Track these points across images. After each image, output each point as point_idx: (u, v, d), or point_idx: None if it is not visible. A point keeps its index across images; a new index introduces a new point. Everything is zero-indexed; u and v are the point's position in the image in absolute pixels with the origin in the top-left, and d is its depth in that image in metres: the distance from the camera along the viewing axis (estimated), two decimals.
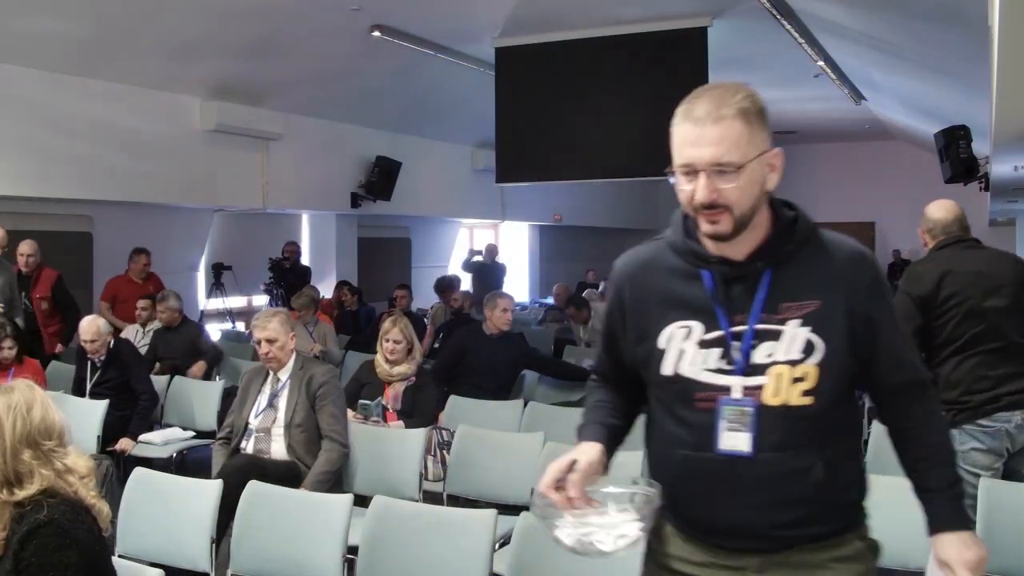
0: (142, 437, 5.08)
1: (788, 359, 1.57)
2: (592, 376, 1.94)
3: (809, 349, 1.57)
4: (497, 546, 2.95)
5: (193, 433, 5.25)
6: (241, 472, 3.53)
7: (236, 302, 9.62)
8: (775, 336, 1.58)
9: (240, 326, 9.56)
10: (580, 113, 8.25)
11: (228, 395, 5.21)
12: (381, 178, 9.83)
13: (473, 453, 4.00)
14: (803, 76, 9.57)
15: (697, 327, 1.63)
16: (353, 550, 2.98)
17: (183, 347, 6.22)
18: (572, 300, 8.52)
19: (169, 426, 5.33)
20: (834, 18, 7.05)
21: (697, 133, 1.55)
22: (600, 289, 11.33)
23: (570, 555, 2.79)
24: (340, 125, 9.63)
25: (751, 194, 1.56)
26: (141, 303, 6.60)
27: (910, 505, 3.18)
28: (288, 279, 9.06)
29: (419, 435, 4.05)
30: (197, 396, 5.45)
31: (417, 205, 10.97)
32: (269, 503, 3.12)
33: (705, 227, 1.57)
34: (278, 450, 3.90)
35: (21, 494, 1.92)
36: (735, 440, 1.59)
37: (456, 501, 3.94)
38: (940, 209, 3.60)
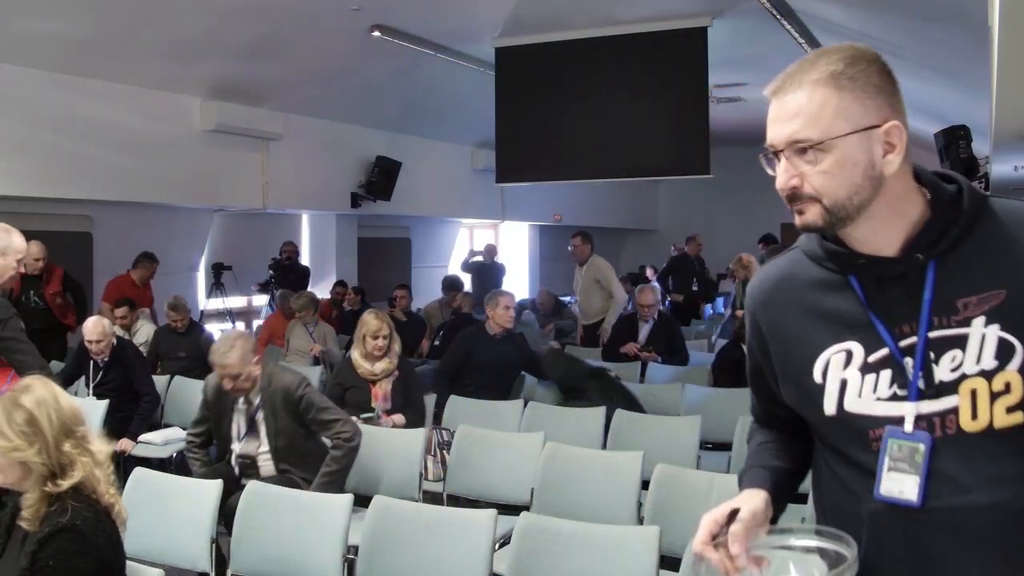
0: (142, 437, 5.08)
1: (981, 369, 1.23)
2: (752, 420, 1.68)
3: (1006, 352, 1.22)
4: (497, 546, 2.95)
5: None
6: (233, 480, 3.59)
7: (236, 302, 9.62)
8: (959, 343, 1.25)
9: (240, 326, 9.58)
10: (580, 113, 8.25)
11: None
12: (381, 178, 9.83)
13: (473, 453, 4.00)
14: None
15: (857, 349, 1.30)
16: (353, 550, 2.98)
17: (188, 350, 6.24)
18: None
19: (169, 426, 5.33)
20: (834, 18, 7.05)
21: (776, 107, 1.31)
22: None
23: (570, 555, 2.80)
24: (340, 125, 9.62)
25: (847, 180, 1.25)
26: (119, 311, 6.46)
27: None
28: (289, 279, 9.07)
29: (419, 435, 4.06)
30: (197, 396, 5.44)
31: (417, 205, 10.97)
32: (269, 503, 3.12)
33: (796, 220, 1.31)
34: (266, 471, 3.81)
35: (65, 484, 1.95)
36: (899, 484, 1.26)
37: (456, 501, 3.94)
38: None
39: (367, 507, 3.01)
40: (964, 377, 1.24)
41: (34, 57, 6.53)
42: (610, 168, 8.55)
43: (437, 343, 7.55)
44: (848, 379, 1.30)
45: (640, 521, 3.37)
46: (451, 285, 9.27)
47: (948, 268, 1.26)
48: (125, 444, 4.91)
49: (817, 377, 1.33)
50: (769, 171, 1.35)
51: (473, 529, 2.85)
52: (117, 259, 7.57)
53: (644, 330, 6.63)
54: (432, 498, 3.99)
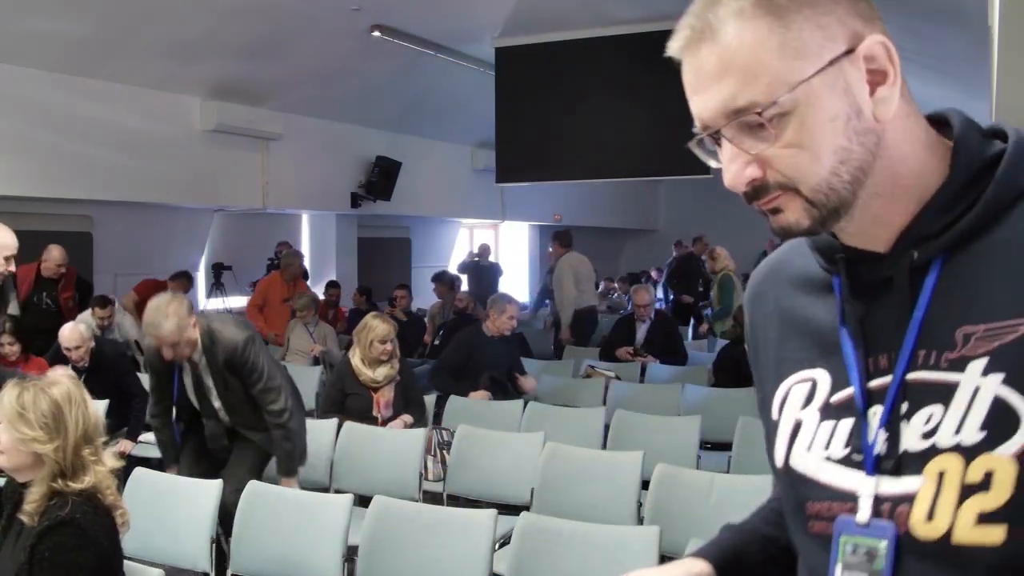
0: (141, 437, 5.08)
1: (958, 443, 0.78)
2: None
3: (1003, 422, 0.76)
4: (497, 546, 2.95)
5: None
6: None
7: (236, 302, 9.62)
8: (943, 395, 0.80)
9: None
10: (580, 113, 8.25)
11: None
12: (381, 178, 9.83)
13: (473, 453, 4.00)
14: None
15: (824, 380, 0.91)
16: (353, 550, 2.98)
17: None
18: None
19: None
20: None
21: (690, 68, 0.86)
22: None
23: (570, 555, 2.80)
24: (340, 125, 9.62)
25: (827, 147, 0.81)
26: (101, 312, 6.31)
27: None
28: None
29: (419, 435, 4.06)
30: None
31: (417, 205, 10.97)
32: (269, 503, 3.12)
33: (771, 223, 0.91)
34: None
35: (74, 486, 1.95)
36: None
37: (456, 501, 3.94)
38: None
39: (367, 507, 3.01)
40: (934, 450, 0.79)
41: (34, 57, 6.53)
42: (610, 168, 8.55)
43: (437, 342, 7.56)
44: (803, 421, 0.91)
45: (640, 521, 3.37)
46: (439, 279, 9.24)
47: (957, 276, 0.81)
48: (126, 445, 4.92)
49: (774, 411, 0.96)
50: (712, 163, 0.95)
51: (473, 529, 2.85)
52: (117, 259, 7.57)
53: (641, 330, 6.63)
54: (432, 498, 3.99)
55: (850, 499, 0.84)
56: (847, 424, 0.86)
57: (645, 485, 3.45)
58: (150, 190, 7.70)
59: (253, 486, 3.21)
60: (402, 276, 10.89)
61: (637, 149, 8.11)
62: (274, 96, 8.53)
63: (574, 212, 14.22)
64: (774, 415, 0.96)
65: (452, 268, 12.22)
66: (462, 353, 5.46)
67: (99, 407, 4.52)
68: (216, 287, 9.11)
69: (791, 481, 0.91)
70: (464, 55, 8.65)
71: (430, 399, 4.95)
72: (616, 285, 13.61)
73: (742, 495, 3.24)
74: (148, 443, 5.05)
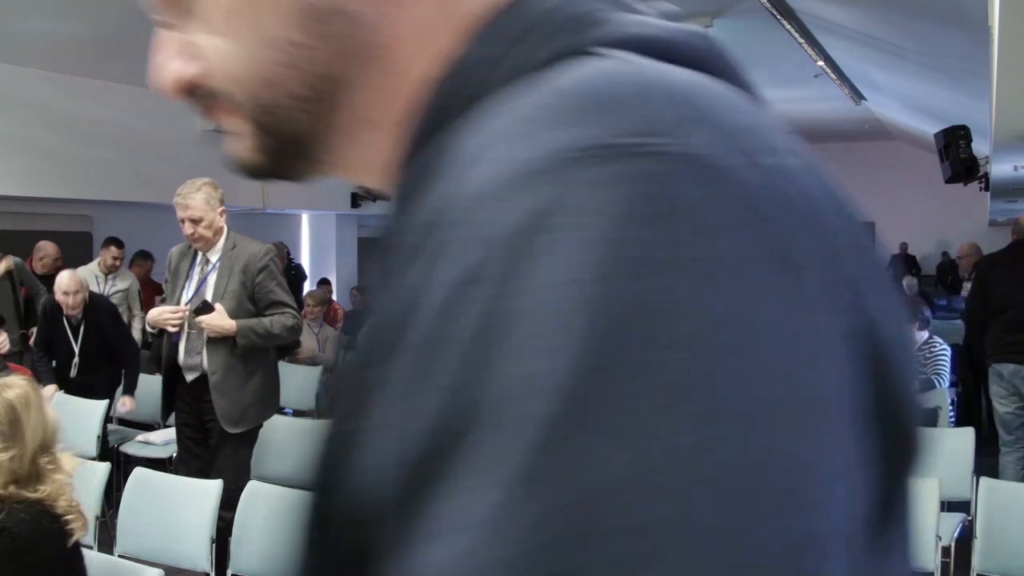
0: (141, 437, 5.08)
1: None
2: None
3: None
4: None
5: None
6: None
7: None
8: None
9: None
10: None
11: None
12: None
13: None
14: (803, 76, 9.56)
15: None
16: None
17: None
18: None
19: (169, 426, 5.32)
20: (834, 18, 7.05)
21: None
22: None
23: None
24: None
25: (251, 33, 0.42)
26: (116, 252, 6.31)
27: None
28: (288, 277, 9.07)
29: None
30: None
31: None
32: (269, 503, 3.12)
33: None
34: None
35: (26, 495, 1.87)
36: None
37: None
38: None
39: None
40: None
41: (34, 57, 6.53)
42: None
43: None
44: None
45: None
46: None
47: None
48: (129, 403, 4.91)
49: None
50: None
51: None
52: (120, 269, 7.58)
53: None
54: None
55: None
56: None
57: None
58: (150, 190, 7.69)
59: (253, 486, 3.21)
60: None
61: None
62: None
63: None
64: None
65: None
66: None
67: (99, 407, 4.54)
68: None
69: None
70: None
71: None
72: None
73: None
74: (149, 443, 5.06)
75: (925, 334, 5.35)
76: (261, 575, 3.04)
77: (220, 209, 3.58)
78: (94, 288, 5.74)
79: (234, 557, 3.07)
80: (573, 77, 0.33)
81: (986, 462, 3.96)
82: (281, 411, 5.84)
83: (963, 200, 11.93)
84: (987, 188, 8.62)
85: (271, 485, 3.26)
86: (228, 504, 3.11)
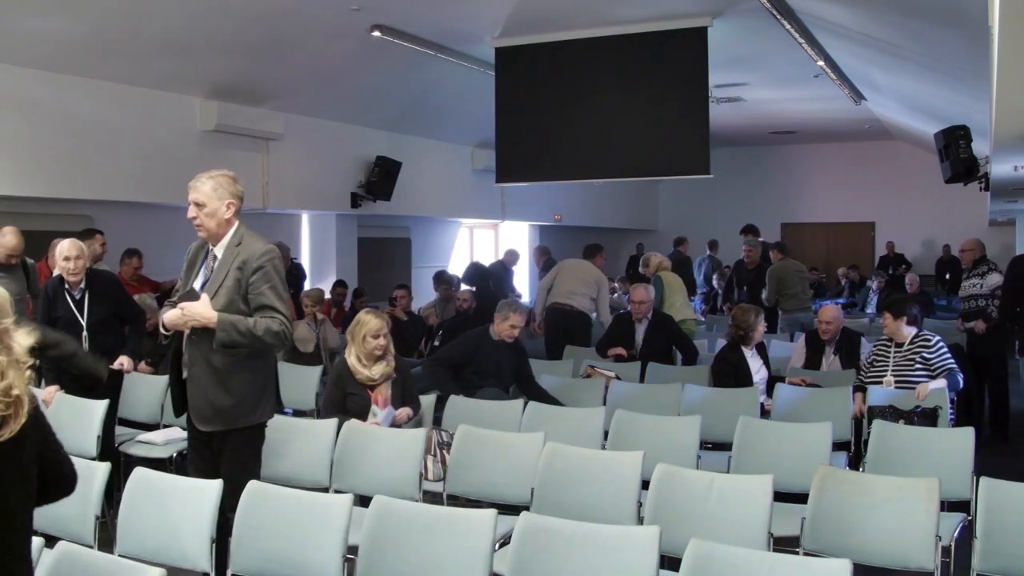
0: (142, 437, 5.08)
1: None
2: None
3: None
4: (497, 546, 2.95)
5: None
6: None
7: None
8: None
9: None
10: (580, 113, 8.25)
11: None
12: (381, 178, 9.83)
13: (473, 453, 4.00)
14: (803, 76, 9.56)
15: None
16: (353, 550, 2.98)
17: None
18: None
19: (169, 426, 5.33)
20: (834, 18, 7.05)
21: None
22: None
23: (570, 555, 2.81)
24: (340, 125, 9.62)
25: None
26: (101, 239, 6.32)
27: (910, 505, 3.19)
28: (288, 276, 9.07)
29: (419, 435, 4.05)
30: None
31: (417, 205, 10.97)
32: (269, 503, 3.12)
33: None
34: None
35: None
36: None
37: (456, 501, 3.94)
38: None
39: (367, 507, 3.01)
40: None
41: (34, 57, 6.53)
42: (610, 168, 8.55)
43: (436, 343, 7.55)
44: None
45: (640, 521, 3.37)
46: (439, 279, 9.22)
47: None
48: (127, 363, 4.94)
49: None
50: None
51: (473, 529, 2.85)
52: (117, 259, 7.56)
53: (640, 330, 6.58)
54: (432, 498, 3.99)
55: None
56: None
57: (645, 485, 3.45)
58: (150, 190, 7.70)
59: (253, 486, 3.21)
60: (402, 276, 10.89)
61: (637, 149, 8.11)
62: (274, 96, 8.53)
63: (574, 212, 14.22)
64: None
65: (452, 269, 12.20)
66: (467, 350, 5.43)
67: (99, 407, 4.51)
68: None
69: None
70: (464, 55, 8.65)
71: (430, 400, 4.95)
72: (616, 284, 13.60)
73: (742, 495, 3.24)
74: (149, 443, 5.06)
75: (914, 330, 5.36)
76: (261, 575, 3.04)
77: (228, 201, 3.52)
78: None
79: (234, 557, 3.07)
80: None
81: (986, 462, 3.96)
82: (281, 411, 5.84)
83: (963, 200, 11.93)
84: (987, 188, 8.62)
85: (271, 485, 3.26)
86: (229, 505, 3.10)
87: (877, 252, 16.06)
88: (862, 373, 5.43)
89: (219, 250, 3.52)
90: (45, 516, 3.22)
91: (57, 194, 7.10)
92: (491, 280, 10.25)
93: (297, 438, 4.19)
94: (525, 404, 4.80)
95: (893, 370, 5.27)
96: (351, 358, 4.53)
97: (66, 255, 4.89)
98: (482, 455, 3.98)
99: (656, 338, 6.53)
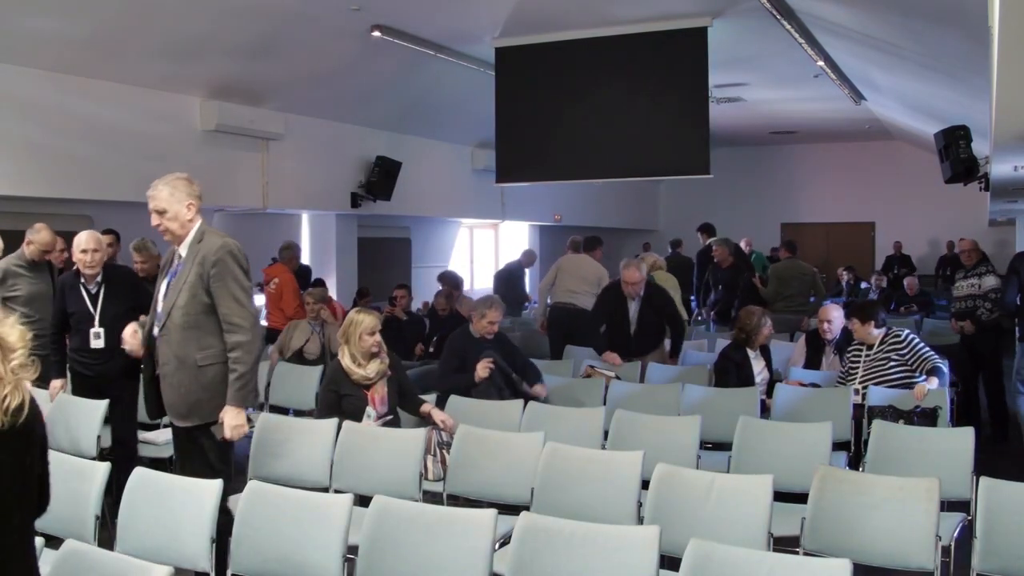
0: (142, 437, 5.07)
1: None
2: None
3: None
4: (497, 546, 2.95)
5: None
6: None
7: None
8: None
9: None
10: (580, 113, 8.25)
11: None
12: (381, 178, 9.83)
13: (473, 453, 4.00)
14: (803, 76, 9.56)
15: None
16: (353, 550, 2.98)
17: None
18: None
19: (169, 426, 5.32)
20: (834, 18, 7.05)
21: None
22: None
23: (570, 555, 2.81)
24: (340, 125, 9.62)
25: None
26: (110, 238, 6.11)
27: (910, 505, 3.19)
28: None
29: (419, 435, 4.06)
30: None
31: (417, 205, 10.97)
32: (269, 503, 3.12)
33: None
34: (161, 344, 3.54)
35: None
36: None
37: (456, 501, 3.94)
38: None
39: (367, 507, 3.01)
40: None
41: (34, 57, 6.53)
42: (610, 168, 8.55)
43: (431, 349, 7.54)
44: None
45: (640, 521, 3.37)
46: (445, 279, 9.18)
47: None
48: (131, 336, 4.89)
49: None
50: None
51: (473, 529, 2.85)
52: (117, 259, 7.57)
53: (632, 307, 6.44)
54: (432, 498, 3.99)
55: None
56: None
57: (645, 485, 3.45)
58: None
59: (253, 486, 3.21)
60: (402, 276, 10.89)
61: (637, 149, 8.11)
62: (274, 96, 8.53)
63: (574, 212, 14.22)
64: None
65: (452, 268, 12.20)
66: (456, 355, 5.45)
67: (99, 407, 4.51)
68: None
69: None
70: (464, 55, 8.65)
71: (430, 400, 4.94)
72: None
73: (742, 495, 3.24)
74: (150, 443, 5.06)
75: (882, 331, 5.36)
76: (261, 575, 3.04)
77: (188, 203, 3.58)
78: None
79: (234, 557, 3.07)
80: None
81: (986, 462, 3.96)
82: (281, 411, 5.84)
83: (963, 200, 11.93)
84: (987, 188, 8.61)
85: (271, 485, 3.26)
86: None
87: (877, 252, 16.07)
88: (840, 380, 5.47)
89: (183, 249, 3.59)
90: (45, 516, 3.22)
91: (57, 194, 7.10)
92: (514, 281, 10.31)
93: (297, 438, 4.19)
94: (525, 404, 4.80)
95: (866, 374, 5.32)
96: (345, 359, 4.52)
97: (83, 247, 4.77)
98: (482, 455, 3.98)
99: (648, 316, 6.43)
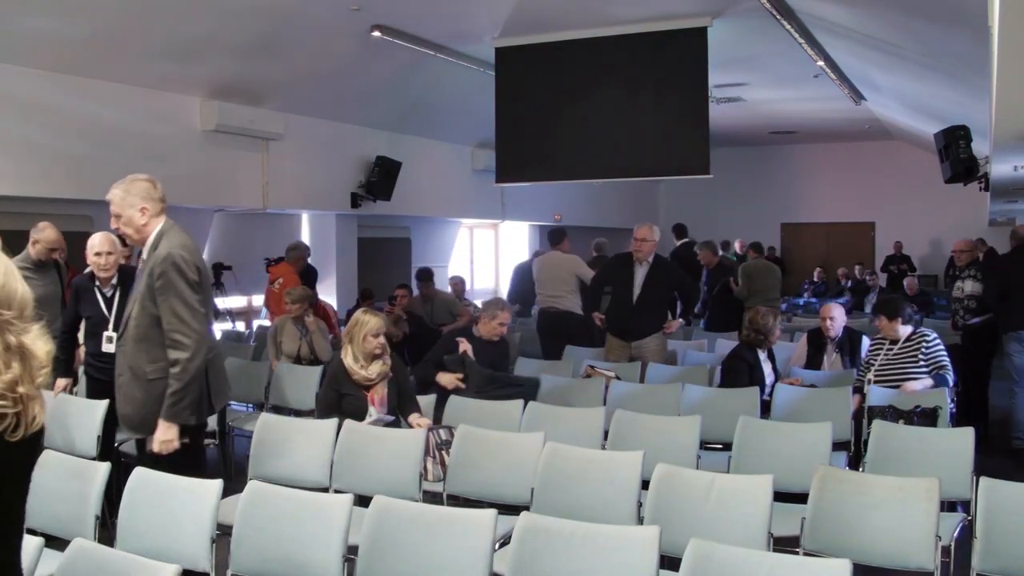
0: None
1: None
2: None
3: None
4: (497, 546, 2.95)
5: None
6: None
7: (236, 302, 9.62)
8: None
9: (240, 326, 9.57)
10: (580, 113, 8.25)
11: None
12: (381, 178, 9.83)
13: (473, 453, 4.00)
14: (803, 76, 9.57)
15: None
16: (353, 550, 2.98)
17: None
18: None
19: None
20: (834, 18, 7.05)
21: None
22: None
23: (570, 555, 2.81)
24: (340, 125, 9.62)
25: None
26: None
27: (910, 505, 3.19)
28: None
29: (419, 435, 4.06)
30: None
31: (417, 205, 10.97)
32: (269, 503, 3.12)
33: None
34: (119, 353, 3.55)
35: None
36: None
37: (456, 501, 3.94)
38: None
39: (367, 507, 3.01)
40: None
41: (34, 57, 6.53)
42: (610, 168, 8.55)
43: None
44: None
45: (640, 521, 3.37)
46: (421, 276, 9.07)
47: None
48: None
49: None
50: None
51: (473, 529, 2.85)
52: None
53: (639, 273, 6.39)
54: (432, 498, 3.99)
55: None
56: None
57: (645, 485, 3.45)
58: None
59: (253, 486, 3.21)
60: (402, 276, 10.88)
61: (637, 149, 8.11)
62: (274, 96, 8.52)
63: (574, 212, 14.22)
64: None
65: (452, 269, 12.21)
66: (449, 348, 5.46)
67: (99, 407, 4.51)
68: (216, 287, 9.10)
69: None
70: (464, 55, 8.65)
71: (430, 400, 4.95)
72: None
73: (742, 495, 3.24)
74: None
75: (910, 328, 5.43)
76: (261, 575, 3.04)
77: (140, 207, 3.46)
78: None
79: (234, 557, 3.07)
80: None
81: (986, 462, 3.96)
82: (281, 411, 5.84)
83: (963, 200, 11.93)
84: (987, 188, 8.62)
85: (271, 485, 3.26)
86: None
87: (877, 252, 16.07)
88: (860, 372, 5.49)
89: (145, 253, 3.53)
90: (45, 515, 3.22)
91: (57, 194, 7.09)
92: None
93: (297, 438, 4.19)
94: (525, 404, 4.80)
95: (887, 367, 5.37)
96: (347, 358, 4.52)
97: (97, 250, 4.68)
98: (482, 455, 3.98)
99: (656, 284, 6.36)
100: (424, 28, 7.87)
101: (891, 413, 4.80)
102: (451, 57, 8.52)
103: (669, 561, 2.86)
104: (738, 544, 2.77)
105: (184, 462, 3.44)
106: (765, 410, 5.09)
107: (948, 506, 3.70)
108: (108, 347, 4.62)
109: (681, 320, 6.99)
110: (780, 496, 3.36)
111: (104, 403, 4.66)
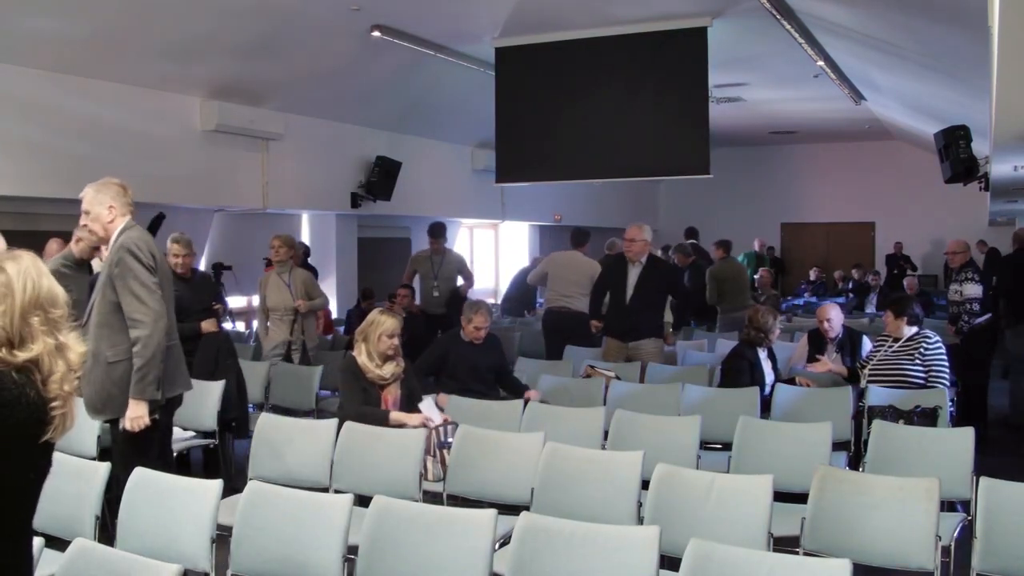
0: None
1: None
2: None
3: None
4: (497, 546, 2.95)
5: (193, 433, 5.25)
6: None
7: (236, 302, 9.61)
8: None
9: (240, 326, 9.56)
10: (580, 113, 8.25)
11: (227, 394, 5.21)
12: (381, 178, 9.83)
13: (473, 453, 4.00)
14: (803, 76, 9.56)
15: None
16: (353, 550, 2.98)
17: (190, 301, 5.49)
18: None
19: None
20: (834, 18, 7.05)
21: None
22: None
23: (570, 555, 2.81)
24: (340, 125, 9.62)
25: None
26: None
27: (910, 505, 3.19)
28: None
29: (419, 435, 4.06)
30: (197, 395, 5.42)
31: (417, 205, 10.97)
32: (269, 503, 3.12)
33: None
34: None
35: (20, 356, 1.82)
36: None
37: (456, 501, 3.94)
38: None
39: (367, 507, 3.01)
40: None
41: (34, 57, 6.53)
42: (610, 168, 8.55)
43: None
44: None
45: (640, 521, 3.37)
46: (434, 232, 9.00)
47: None
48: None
49: None
50: None
51: (473, 529, 2.85)
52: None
53: (632, 274, 6.38)
54: (432, 498, 3.99)
55: None
56: None
57: (645, 485, 3.45)
58: (150, 190, 7.67)
59: (253, 486, 3.21)
60: (402, 276, 10.87)
61: (637, 149, 8.11)
62: (274, 96, 8.52)
63: (574, 212, 14.22)
64: None
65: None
66: (437, 352, 5.47)
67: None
68: (216, 287, 9.10)
69: None
70: (464, 55, 8.65)
71: (430, 399, 4.95)
72: None
73: (742, 495, 3.24)
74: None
75: (914, 328, 5.44)
76: (261, 575, 3.04)
77: (109, 205, 3.69)
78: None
79: (234, 557, 3.07)
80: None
81: (986, 462, 3.95)
82: (281, 411, 5.84)
83: (963, 200, 11.93)
84: (987, 188, 8.62)
85: (271, 485, 3.26)
86: (118, 487, 3.26)
87: (877, 252, 16.06)
88: (859, 366, 5.62)
89: (107, 250, 3.75)
90: (45, 516, 3.22)
91: (57, 194, 7.09)
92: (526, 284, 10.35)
93: (297, 438, 4.19)
94: (525, 404, 4.80)
95: (884, 363, 5.41)
96: (361, 356, 4.53)
97: (175, 253, 4.96)
98: (482, 455, 3.98)
99: (649, 285, 6.35)
100: (424, 28, 7.87)
101: (891, 413, 4.80)
102: (451, 57, 8.52)
103: (669, 561, 2.86)
104: (738, 544, 2.78)
105: (132, 448, 3.59)
106: (765, 407, 5.10)
107: (948, 506, 3.70)
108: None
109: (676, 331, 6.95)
110: (780, 496, 3.36)
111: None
